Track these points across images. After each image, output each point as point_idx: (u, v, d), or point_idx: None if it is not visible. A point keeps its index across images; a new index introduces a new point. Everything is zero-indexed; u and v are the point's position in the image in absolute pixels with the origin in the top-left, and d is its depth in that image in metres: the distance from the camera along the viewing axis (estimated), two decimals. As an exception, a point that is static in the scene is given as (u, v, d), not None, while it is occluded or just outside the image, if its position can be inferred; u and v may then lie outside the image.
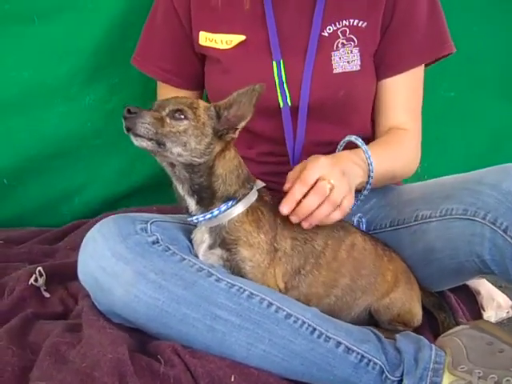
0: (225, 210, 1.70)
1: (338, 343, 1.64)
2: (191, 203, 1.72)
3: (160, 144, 1.60)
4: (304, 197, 1.69)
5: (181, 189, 1.72)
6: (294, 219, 1.70)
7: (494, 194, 1.72)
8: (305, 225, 1.71)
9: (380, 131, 2.11)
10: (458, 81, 2.67)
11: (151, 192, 2.60)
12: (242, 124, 1.68)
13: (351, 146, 1.91)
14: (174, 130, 1.61)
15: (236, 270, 1.72)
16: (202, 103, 1.68)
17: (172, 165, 1.67)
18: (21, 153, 2.46)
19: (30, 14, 2.34)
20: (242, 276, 1.71)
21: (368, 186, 1.88)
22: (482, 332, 1.68)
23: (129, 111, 1.58)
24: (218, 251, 1.72)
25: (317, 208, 1.69)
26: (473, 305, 2.08)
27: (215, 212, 1.70)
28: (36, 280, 1.96)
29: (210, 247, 1.73)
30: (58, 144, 2.48)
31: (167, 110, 1.62)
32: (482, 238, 1.73)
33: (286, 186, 1.73)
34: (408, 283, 1.87)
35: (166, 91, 2.20)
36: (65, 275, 2.04)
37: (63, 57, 2.40)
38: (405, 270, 1.89)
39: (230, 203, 1.70)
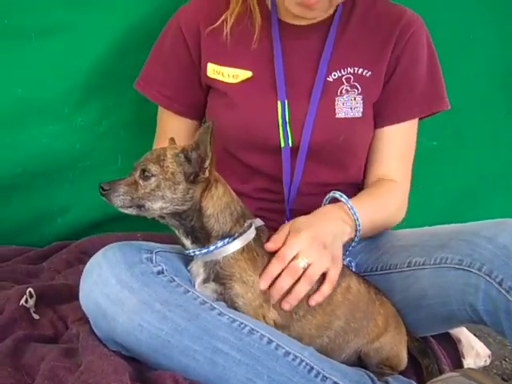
0: (221, 247, 1.72)
1: (335, 383, 1.67)
2: (187, 242, 1.75)
3: (140, 206, 1.68)
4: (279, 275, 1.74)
5: (176, 232, 1.76)
6: (272, 299, 1.74)
7: (490, 247, 1.77)
8: (285, 306, 1.74)
9: (370, 178, 2.16)
10: (441, 130, 2.72)
11: (134, 218, 2.59)
12: (206, 163, 1.69)
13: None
14: (148, 190, 1.67)
15: (229, 304, 1.73)
16: (169, 152, 1.70)
17: (161, 217, 1.73)
18: (6, 170, 2.44)
19: (28, 30, 2.34)
20: (235, 310, 1.73)
21: (356, 239, 1.93)
22: (471, 380, 1.71)
23: (102, 189, 1.68)
24: (212, 285, 1.73)
25: (293, 287, 1.73)
26: (454, 352, 2.12)
27: (211, 247, 1.72)
28: (26, 301, 1.95)
29: (205, 281, 1.74)
30: (45, 163, 2.46)
31: (138, 172, 1.69)
32: (476, 288, 1.77)
33: (268, 246, 1.77)
34: (397, 328, 1.90)
35: (166, 117, 2.23)
36: (53, 297, 2.03)
37: (58, 76, 2.39)
38: (394, 314, 1.92)
39: (227, 240, 1.72)
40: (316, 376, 1.66)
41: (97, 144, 2.51)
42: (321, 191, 2.00)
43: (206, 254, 1.72)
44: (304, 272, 1.74)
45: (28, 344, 1.78)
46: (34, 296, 1.97)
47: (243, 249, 1.74)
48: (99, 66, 2.42)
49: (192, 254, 1.74)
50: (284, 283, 1.73)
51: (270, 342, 1.67)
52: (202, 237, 1.72)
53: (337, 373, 1.69)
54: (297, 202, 2.07)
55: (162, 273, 1.69)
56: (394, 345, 1.88)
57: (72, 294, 2.03)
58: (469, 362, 2.11)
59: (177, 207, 1.69)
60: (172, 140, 1.87)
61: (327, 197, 1.96)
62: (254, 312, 1.73)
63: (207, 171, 1.69)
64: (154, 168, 1.67)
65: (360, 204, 1.94)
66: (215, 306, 1.68)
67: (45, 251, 2.43)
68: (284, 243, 1.76)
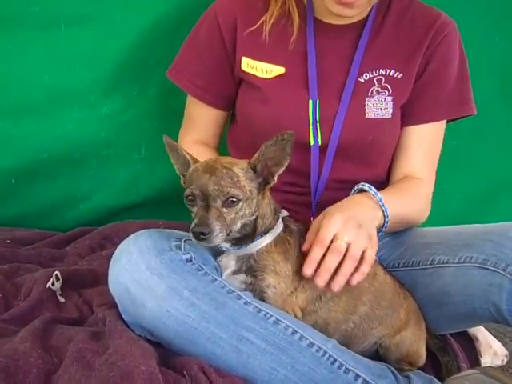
0: (255, 242, 1.74)
1: (357, 376, 1.69)
2: (226, 245, 1.75)
3: (228, 234, 1.66)
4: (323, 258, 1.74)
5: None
6: (320, 283, 1.72)
7: None
8: (335, 287, 1.73)
9: (395, 176, 2.18)
10: (462, 130, 2.73)
11: (156, 206, 2.63)
12: (280, 170, 1.72)
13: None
14: (233, 216, 1.65)
15: (257, 295, 1.75)
16: (239, 171, 1.68)
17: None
18: (32, 155, 2.48)
19: (57, 18, 2.38)
20: (263, 301, 1.74)
21: (383, 229, 1.93)
22: (492, 378, 1.73)
23: (203, 234, 1.60)
24: (242, 277, 1.75)
25: (339, 267, 1.73)
26: (471, 350, 2.13)
27: (244, 245, 1.74)
28: (53, 284, 1.97)
29: (235, 273, 1.76)
30: (70, 150, 2.50)
31: (219, 202, 1.63)
32: (501, 288, 1.79)
33: (305, 247, 1.77)
34: (417, 323, 1.92)
35: (196, 107, 2.25)
36: (78, 281, 2.06)
37: (85, 65, 2.43)
38: (416, 309, 1.94)
39: (261, 235, 1.75)
40: (339, 368, 1.69)
41: (121, 133, 2.54)
42: (347, 187, 2.02)
43: (240, 249, 1.74)
44: (346, 252, 1.74)
45: (55, 326, 1.81)
46: (61, 279, 2.00)
47: (275, 241, 1.76)
48: (126, 56, 2.45)
49: (224, 248, 1.75)
50: (330, 264, 1.72)
51: (294, 332, 1.69)
52: (247, 237, 1.74)
53: (359, 365, 1.71)
54: (323, 196, 2.10)
55: (191, 261, 1.71)
56: (414, 340, 1.90)
57: (96, 278, 2.08)
58: (486, 361, 2.13)
59: (248, 219, 1.70)
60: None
61: (355, 188, 1.96)
62: (284, 302, 1.75)
63: (276, 178, 1.73)
64: (238, 193, 1.65)
65: (388, 197, 1.94)
66: (242, 295, 1.70)
67: (68, 236, 2.45)
68: (319, 229, 1.76)
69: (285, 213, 1.84)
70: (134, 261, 1.69)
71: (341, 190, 2.04)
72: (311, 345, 1.69)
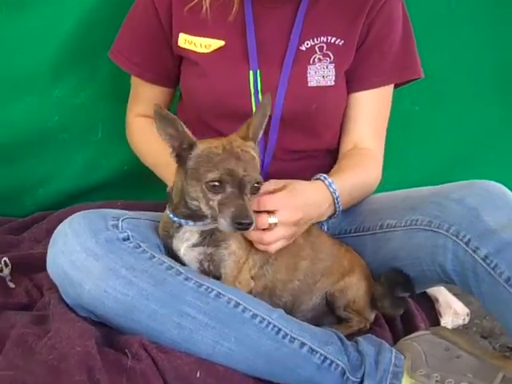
0: None
1: (302, 344, 1.68)
2: (189, 222, 1.73)
3: None
4: None
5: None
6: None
7: (458, 209, 1.78)
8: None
9: (344, 145, 2.16)
10: (423, 95, 2.71)
11: (116, 187, 2.60)
12: (260, 133, 1.74)
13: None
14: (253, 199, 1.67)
15: (215, 265, 1.75)
16: (253, 152, 1.68)
17: None
18: (-16, 142, 2.44)
19: (-2, 3, 2.33)
20: (218, 272, 1.75)
21: (333, 219, 1.97)
22: (441, 338, 1.73)
23: (250, 224, 1.59)
24: (202, 248, 1.74)
25: None
26: (431, 311, 2.14)
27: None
28: (1, 270, 1.96)
29: (195, 245, 1.75)
30: (25, 135, 2.46)
31: (249, 188, 1.63)
32: (445, 249, 1.78)
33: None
34: (364, 276, 1.93)
35: (138, 85, 2.24)
36: (30, 266, 2.04)
37: (32, 49, 2.38)
38: (362, 264, 1.96)
39: None
40: (284, 337, 1.68)
41: (76, 116, 2.50)
42: (295, 157, 2.02)
43: (203, 225, 1.73)
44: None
45: (1, 312, 1.81)
46: (10, 265, 1.99)
47: None
48: (73, 38, 2.40)
49: (187, 225, 1.73)
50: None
51: (237, 305, 1.68)
52: None
53: (305, 333, 1.71)
54: (272, 167, 2.08)
55: (128, 239, 1.70)
56: (360, 288, 1.91)
57: (48, 262, 2.06)
58: (446, 321, 2.12)
59: None
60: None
61: (312, 179, 1.95)
62: (240, 267, 1.76)
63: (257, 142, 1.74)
64: (261, 179, 1.67)
65: (343, 183, 1.94)
66: (182, 270, 1.69)
67: (26, 221, 2.43)
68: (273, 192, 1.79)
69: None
70: (70, 243, 1.68)
71: (290, 160, 2.04)
72: (255, 316, 1.68)
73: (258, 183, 1.64)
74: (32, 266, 2.03)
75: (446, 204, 1.81)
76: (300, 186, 1.86)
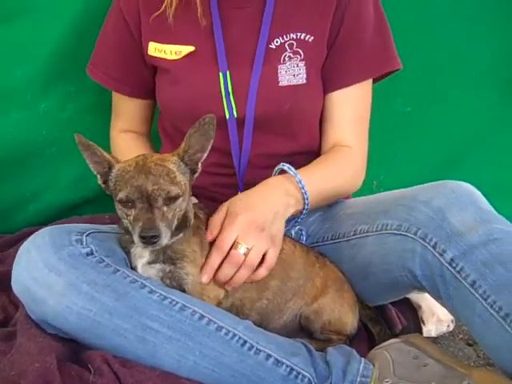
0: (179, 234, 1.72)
1: (268, 356, 1.66)
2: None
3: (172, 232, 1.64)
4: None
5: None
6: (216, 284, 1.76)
7: (425, 211, 1.75)
8: (228, 288, 1.78)
9: (325, 145, 2.13)
10: (414, 96, 2.69)
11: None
12: (204, 156, 1.71)
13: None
14: (172, 213, 1.63)
15: (177, 282, 1.74)
16: (173, 167, 1.65)
17: None
18: (-28, 159, 2.45)
19: (-17, 17, 2.34)
20: (181, 288, 1.73)
21: (304, 212, 1.92)
22: (411, 346, 1.71)
23: (153, 237, 1.57)
24: (160, 266, 1.73)
25: (235, 274, 1.75)
26: (414, 318, 2.10)
27: None
28: (-22, 287, 1.98)
29: (150, 263, 1.73)
30: (13, 151, 2.46)
31: (160, 201, 1.60)
32: (413, 253, 1.75)
33: (208, 237, 1.77)
34: (339, 291, 1.90)
35: (118, 99, 2.25)
36: (8, 282, 2.03)
37: (18, 63, 2.38)
38: (337, 278, 1.92)
39: None
40: (249, 349, 1.66)
41: (63, 129, 2.49)
42: (273, 163, 1.98)
43: None
44: (244, 258, 1.74)
45: (-27, 329, 1.81)
46: (-15, 282, 1.99)
47: (189, 231, 1.74)
48: (58, 52, 2.40)
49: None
50: (227, 272, 1.75)
51: (201, 317, 1.67)
52: (179, 231, 1.70)
53: (272, 345, 1.69)
54: (249, 174, 2.06)
55: (92, 254, 1.69)
56: (335, 307, 1.87)
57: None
58: (430, 329, 2.09)
59: (181, 213, 1.68)
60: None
61: (276, 169, 1.95)
62: (203, 288, 1.74)
63: (200, 165, 1.71)
64: (178, 190, 1.63)
65: (311, 175, 1.93)
66: (146, 283, 1.68)
67: (14, 237, 2.43)
68: (221, 230, 1.76)
69: (194, 200, 1.82)
70: (33, 259, 1.68)
71: (267, 167, 2.01)
72: (219, 328, 1.67)
73: (170, 194, 1.61)
74: (10, 283, 2.04)
75: (414, 206, 1.79)
76: (238, 197, 1.86)
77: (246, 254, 1.74)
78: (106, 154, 1.70)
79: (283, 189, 1.87)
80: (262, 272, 1.78)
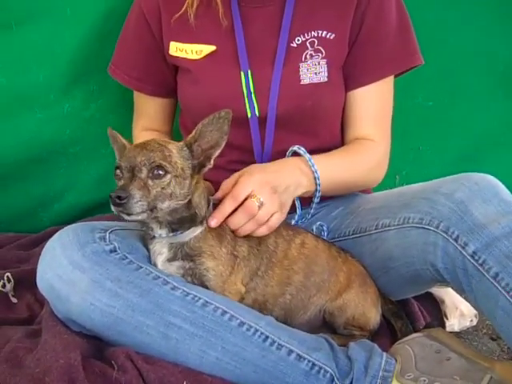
0: (188, 229, 1.72)
1: (290, 351, 1.66)
2: (161, 231, 1.72)
3: (152, 209, 1.61)
4: (233, 212, 1.74)
5: (155, 226, 1.71)
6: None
7: (447, 204, 1.74)
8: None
9: (347, 142, 2.13)
10: (436, 90, 2.68)
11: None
12: (217, 152, 1.70)
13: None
14: (159, 189, 1.61)
15: (198, 279, 1.74)
16: (173, 148, 1.66)
17: (155, 216, 1.67)
18: (-1, 159, 2.49)
19: (7, 20, 2.37)
20: (203, 284, 1.74)
21: (317, 194, 1.91)
22: (433, 340, 1.70)
23: (119, 198, 1.55)
24: (179, 263, 1.74)
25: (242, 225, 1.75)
26: (437, 313, 2.09)
27: (179, 232, 1.71)
28: (4, 286, 2.00)
29: (169, 260, 1.74)
30: (37, 151, 2.50)
31: (145, 171, 1.60)
32: (435, 246, 1.75)
33: (219, 194, 1.78)
34: (362, 286, 1.89)
35: (140, 98, 2.27)
36: (34, 281, 2.06)
37: (41, 63, 2.42)
38: (360, 272, 1.91)
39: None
40: (271, 345, 1.67)
41: (86, 128, 2.54)
42: None
43: (173, 236, 1.72)
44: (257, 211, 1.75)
45: (0, 327, 1.84)
46: (12, 281, 2.03)
47: (206, 228, 1.74)
48: (81, 51, 2.44)
49: (158, 236, 1.73)
50: (238, 221, 1.74)
51: (224, 313, 1.67)
52: (186, 226, 1.71)
53: (294, 341, 1.69)
54: None
55: (115, 251, 1.70)
56: (359, 303, 1.87)
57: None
58: (452, 323, 2.08)
59: (179, 202, 1.66)
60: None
61: (289, 150, 1.95)
62: (225, 282, 1.74)
63: (212, 161, 1.71)
64: (166, 165, 1.61)
65: (325, 160, 1.94)
66: (169, 280, 1.69)
67: (39, 237, 2.47)
68: (236, 184, 1.77)
69: (215, 198, 1.83)
70: (58, 257, 1.70)
71: None
72: (242, 324, 1.67)
73: (158, 167, 1.59)
74: (35, 281, 2.06)
75: (436, 199, 1.78)
76: (255, 165, 1.89)
77: (259, 207, 1.74)
78: (123, 139, 1.74)
79: (298, 167, 1.88)
80: (263, 231, 1.77)
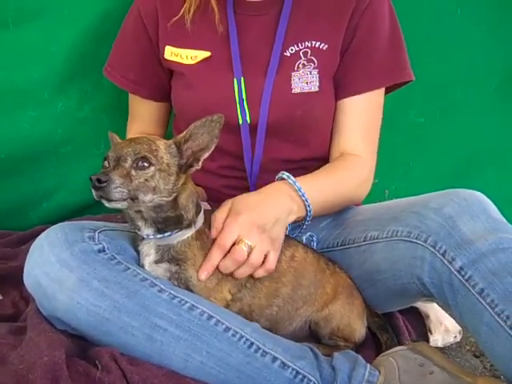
0: (176, 232, 1.72)
1: (274, 358, 1.67)
2: (148, 230, 1.73)
3: (134, 199, 1.62)
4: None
5: (141, 223, 1.73)
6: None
7: (436, 218, 1.76)
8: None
9: (333, 152, 2.14)
10: (428, 107, 2.70)
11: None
12: (206, 155, 1.71)
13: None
14: (142, 180, 1.61)
15: (183, 284, 1.75)
16: (161, 143, 1.68)
17: (138, 210, 1.68)
18: (-12, 155, 2.48)
19: (5, 18, 2.37)
20: (188, 289, 1.74)
21: (308, 219, 1.91)
22: (417, 354, 1.70)
23: (99, 181, 1.57)
24: (166, 265, 1.74)
25: (236, 269, 1.75)
26: (421, 328, 2.10)
27: (167, 233, 1.72)
28: (-12, 282, 2.00)
29: (156, 262, 1.75)
30: (28, 149, 2.49)
31: (129, 161, 1.61)
32: (423, 260, 1.76)
33: (213, 234, 1.76)
34: (349, 297, 1.89)
35: (135, 101, 2.27)
36: (20, 278, 2.05)
37: (36, 62, 2.41)
38: (347, 284, 1.92)
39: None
40: (256, 351, 1.67)
41: (79, 129, 2.53)
42: (285, 168, 1.98)
43: (161, 238, 1.73)
44: (247, 257, 1.74)
45: (-16, 324, 1.83)
46: (-4, 277, 2.02)
47: (195, 234, 1.75)
48: (77, 51, 2.44)
49: (145, 236, 1.74)
50: (227, 265, 1.74)
51: (210, 317, 1.67)
52: (171, 227, 1.71)
53: (279, 348, 1.69)
54: (261, 178, 2.08)
55: (104, 251, 1.70)
56: (345, 314, 1.87)
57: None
58: (436, 338, 2.09)
59: (163, 199, 1.67)
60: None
61: (277, 177, 1.94)
62: (207, 293, 1.74)
63: (201, 163, 1.71)
64: (151, 157, 1.62)
65: (311, 183, 1.93)
66: (156, 282, 1.69)
67: (27, 234, 2.45)
68: (222, 228, 1.76)
69: (207, 206, 1.84)
70: (45, 254, 1.69)
71: (278, 171, 2.00)
72: (227, 329, 1.67)
73: (142, 158, 1.61)
74: (21, 278, 2.05)
75: (425, 214, 1.79)
76: (242, 197, 1.85)
77: (248, 253, 1.74)
78: (118, 138, 1.78)
79: (288, 194, 1.87)
80: (261, 273, 1.77)
